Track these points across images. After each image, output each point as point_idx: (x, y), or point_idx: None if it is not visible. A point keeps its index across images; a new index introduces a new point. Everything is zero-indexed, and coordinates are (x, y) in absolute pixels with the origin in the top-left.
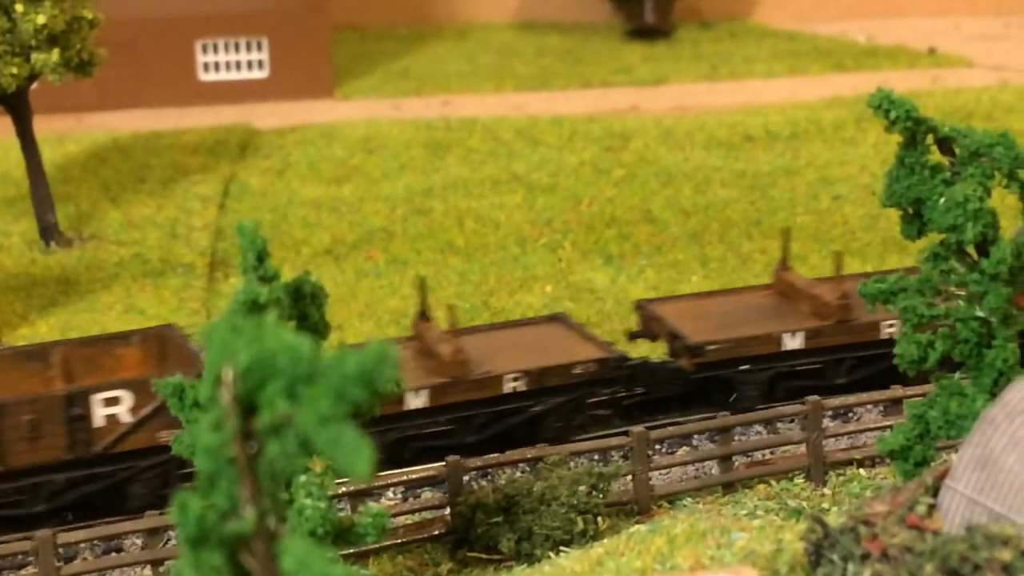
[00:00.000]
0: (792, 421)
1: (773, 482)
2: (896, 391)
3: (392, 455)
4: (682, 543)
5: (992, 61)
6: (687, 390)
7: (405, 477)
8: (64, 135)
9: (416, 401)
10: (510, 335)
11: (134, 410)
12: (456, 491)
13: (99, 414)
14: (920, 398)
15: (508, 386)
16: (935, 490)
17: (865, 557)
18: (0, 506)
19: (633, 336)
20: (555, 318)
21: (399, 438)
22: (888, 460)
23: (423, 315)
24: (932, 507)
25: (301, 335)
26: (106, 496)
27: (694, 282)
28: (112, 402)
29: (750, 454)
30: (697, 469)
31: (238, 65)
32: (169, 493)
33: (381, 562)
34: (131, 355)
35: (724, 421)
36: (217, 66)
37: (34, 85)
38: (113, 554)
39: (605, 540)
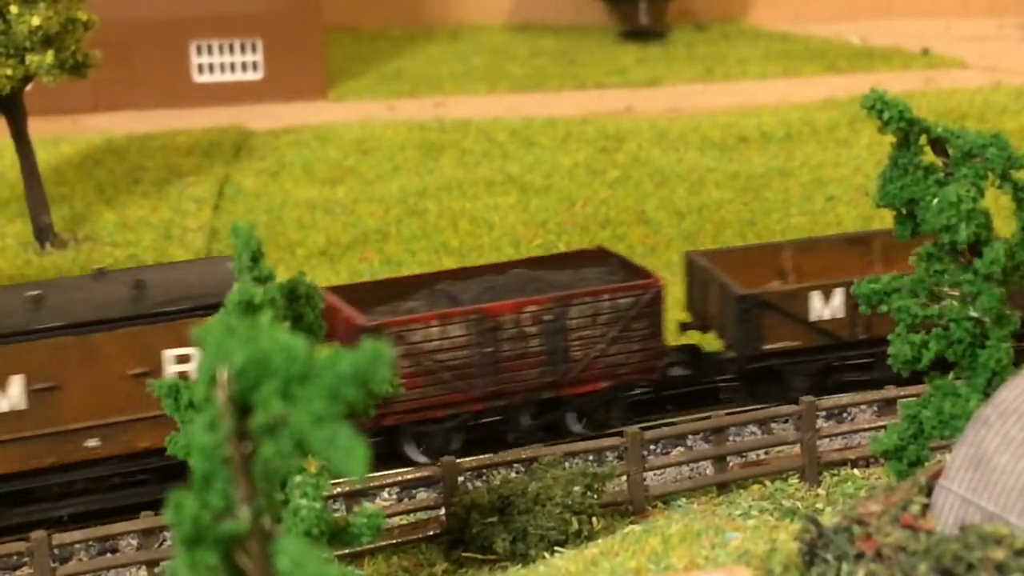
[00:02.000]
0: (786, 422)
1: (767, 482)
2: (890, 391)
3: None
4: (677, 543)
5: (985, 62)
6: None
7: (400, 478)
8: (59, 137)
9: None
10: None
11: None
12: (451, 491)
13: None
14: (914, 398)
15: None
16: (929, 490)
17: (859, 557)
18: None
19: None
20: None
21: None
22: (882, 460)
23: None
24: (926, 507)
25: (296, 335)
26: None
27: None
28: None
29: (744, 454)
30: (692, 469)
31: (232, 67)
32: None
33: (376, 562)
34: None
35: (718, 421)
36: (211, 68)
37: (29, 87)
38: (108, 555)
39: (600, 540)
